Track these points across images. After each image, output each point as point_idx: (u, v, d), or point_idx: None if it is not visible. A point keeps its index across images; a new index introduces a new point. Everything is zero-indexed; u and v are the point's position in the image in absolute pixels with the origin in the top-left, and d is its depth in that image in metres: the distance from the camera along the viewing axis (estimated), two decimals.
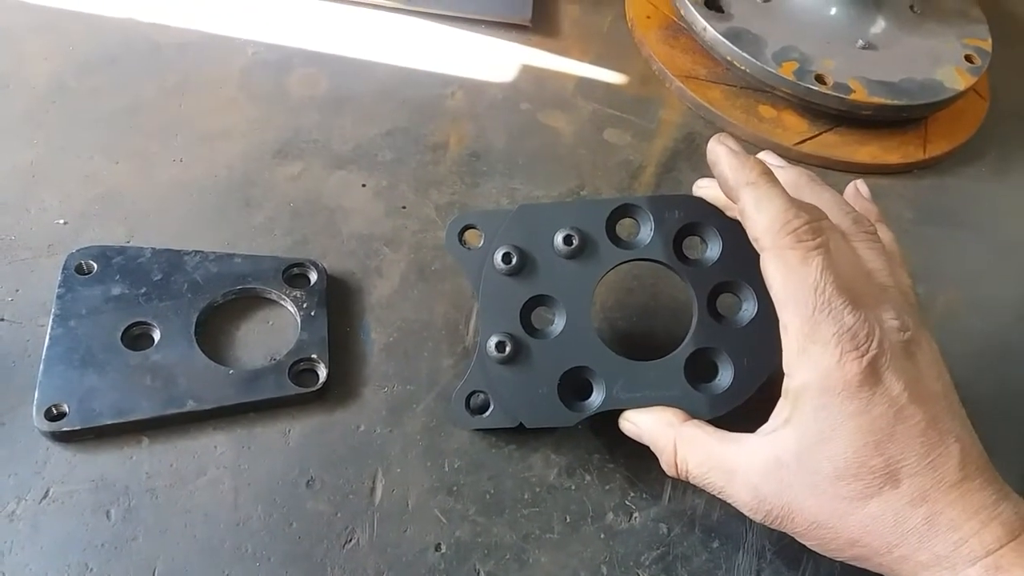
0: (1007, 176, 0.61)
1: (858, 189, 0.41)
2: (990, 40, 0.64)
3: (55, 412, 0.36)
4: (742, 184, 0.34)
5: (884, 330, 0.32)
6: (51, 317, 0.39)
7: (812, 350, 0.32)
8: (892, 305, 0.33)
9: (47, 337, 0.39)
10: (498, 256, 0.39)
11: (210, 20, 0.57)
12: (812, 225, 0.33)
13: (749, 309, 0.38)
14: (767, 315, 0.35)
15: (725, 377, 0.37)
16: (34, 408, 0.36)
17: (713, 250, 0.39)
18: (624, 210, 0.39)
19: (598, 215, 0.39)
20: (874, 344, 0.32)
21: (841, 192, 0.41)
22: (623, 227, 0.40)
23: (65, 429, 0.36)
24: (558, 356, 0.38)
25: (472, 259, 0.39)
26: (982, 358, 0.49)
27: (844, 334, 0.32)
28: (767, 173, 0.35)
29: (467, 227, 0.40)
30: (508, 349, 0.38)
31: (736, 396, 0.37)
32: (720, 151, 0.36)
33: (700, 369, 0.38)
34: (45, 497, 0.35)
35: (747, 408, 0.37)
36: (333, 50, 0.57)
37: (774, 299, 0.34)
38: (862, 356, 0.31)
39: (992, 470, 0.32)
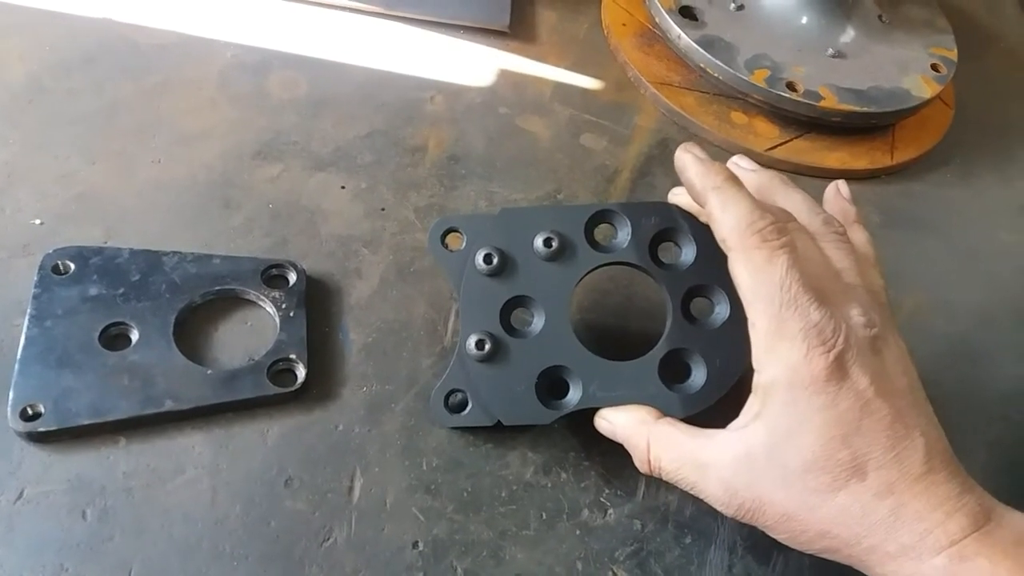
0: (972, 182, 0.63)
1: (839, 190, 0.42)
2: (956, 50, 0.65)
3: (30, 412, 0.36)
4: (708, 188, 0.36)
5: (850, 326, 0.33)
6: (26, 317, 0.39)
7: (780, 346, 0.33)
8: (859, 302, 0.34)
9: (22, 337, 0.38)
10: (479, 257, 0.39)
11: (188, 21, 0.57)
12: (777, 225, 0.34)
13: (721, 312, 0.39)
14: (739, 317, 0.36)
15: (698, 377, 0.38)
16: (9, 408, 0.36)
17: (687, 255, 0.40)
18: (602, 215, 0.41)
19: (577, 220, 0.40)
20: (840, 339, 0.32)
21: (820, 192, 0.42)
22: (601, 232, 0.41)
23: (41, 429, 0.36)
24: (536, 355, 0.39)
25: (453, 261, 0.40)
26: (946, 358, 0.51)
27: (811, 330, 0.32)
28: (732, 177, 0.36)
29: (449, 230, 0.41)
30: (487, 347, 0.38)
31: (708, 396, 0.38)
32: (687, 159, 0.37)
33: (674, 369, 0.39)
34: (20, 498, 0.35)
35: (718, 405, 0.38)
36: (312, 53, 0.57)
37: (742, 298, 0.35)
38: (829, 351, 0.32)
39: (956, 464, 0.33)
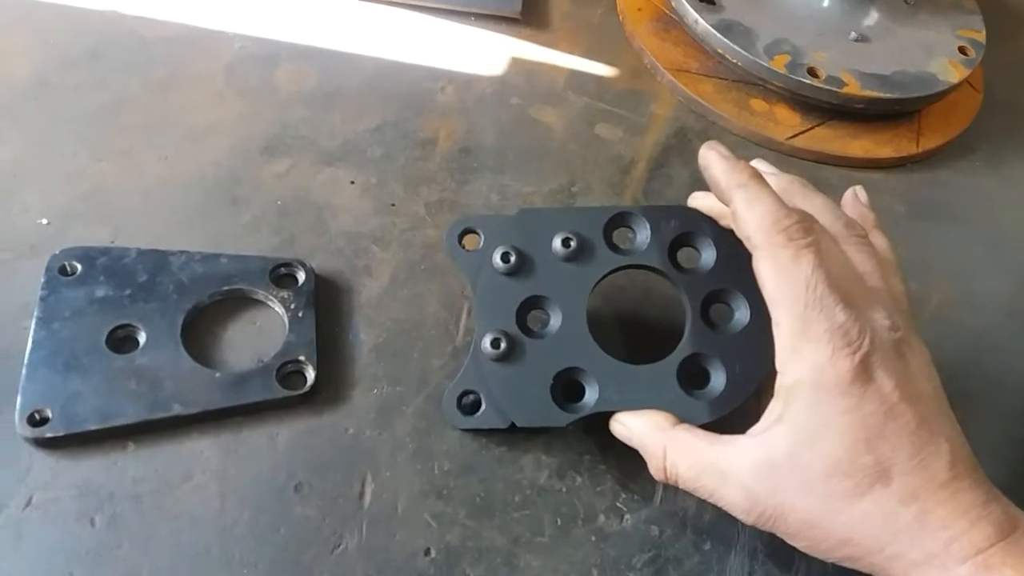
0: (1001, 169, 0.61)
1: (857, 195, 0.41)
2: (984, 32, 0.63)
3: (38, 418, 0.36)
4: (733, 186, 0.35)
5: (875, 329, 0.32)
6: (33, 320, 0.39)
7: (804, 347, 0.32)
8: (883, 306, 0.34)
9: (29, 340, 0.38)
10: (497, 255, 0.39)
11: (195, 13, 0.56)
12: (803, 224, 0.33)
13: (741, 317, 0.38)
14: (759, 323, 0.35)
15: (717, 383, 0.37)
16: (16, 414, 0.36)
17: (707, 259, 0.39)
18: (621, 218, 0.40)
19: (596, 221, 0.40)
20: (866, 341, 0.32)
21: (839, 191, 0.41)
22: (620, 234, 0.40)
23: (48, 435, 0.36)
24: (552, 356, 0.38)
25: (470, 260, 0.39)
26: (973, 352, 0.49)
27: (836, 331, 0.32)
28: (757, 175, 0.35)
29: (467, 231, 0.40)
30: (503, 346, 0.38)
31: (728, 402, 0.37)
32: (711, 156, 0.36)
33: (693, 375, 0.38)
34: (28, 504, 0.35)
35: (735, 412, 0.37)
36: (321, 44, 0.56)
37: (766, 297, 0.34)
38: (854, 353, 0.31)
39: (981, 472, 0.33)
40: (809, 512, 0.32)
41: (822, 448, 0.32)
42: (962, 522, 0.31)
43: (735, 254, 0.36)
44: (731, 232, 0.36)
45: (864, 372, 0.31)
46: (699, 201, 0.41)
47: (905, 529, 0.31)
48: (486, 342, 0.38)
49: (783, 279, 0.33)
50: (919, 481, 0.31)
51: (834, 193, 0.40)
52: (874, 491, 0.31)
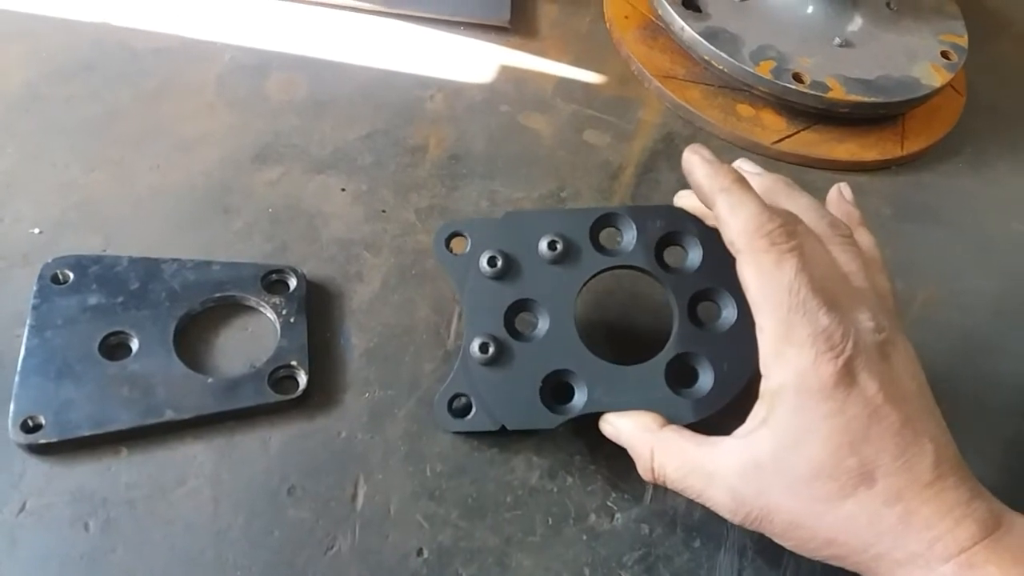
0: (984, 171, 0.62)
1: (841, 192, 0.41)
2: (966, 36, 0.64)
3: (31, 424, 0.36)
4: (716, 191, 0.35)
5: (859, 331, 0.32)
6: (26, 328, 0.39)
7: (788, 351, 0.32)
8: (867, 306, 0.34)
9: (22, 348, 0.38)
10: (484, 260, 0.39)
11: (186, 24, 0.56)
12: (786, 228, 0.33)
13: (729, 315, 0.38)
14: (746, 321, 0.35)
15: (705, 382, 0.38)
16: (9, 421, 0.36)
17: (693, 258, 0.39)
18: (607, 219, 0.40)
19: (582, 223, 0.40)
20: (849, 345, 0.32)
21: (824, 193, 0.41)
22: (606, 235, 0.40)
23: (42, 441, 0.36)
24: (541, 359, 0.38)
25: (458, 264, 0.40)
26: (960, 352, 0.50)
27: (819, 335, 0.32)
28: (740, 179, 0.35)
29: (454, 234, 0.40)
30: (491, 350, 0.38)
31: (716, 401, 0.37)
32: (695, 160, 0.36)
33: (681, 374, 0.38)
34: (22, 510, 0.35)
35: (723, 412, 0.37)
36: (311, 53, 0.57)
37: (750, 302, 0.34)
38: (837, 357, 0.32)
39: (966, 469, 0.33)
40: (794, 513, 0.33)
41: (806, 452, 0.32)
42: (946, 521, 0.31)
43: (721, 253, 0.36)
44: (717, 231, 0.37)
45: (847, 376, 0.32)
46: (684, 200, 0.41)
47: (889, 530, 0.31)
48: (475, 346, 0.38)
49: (766, 284, 0.33)
50: (903, 482, 0.31)
51: (820, 196, 0.40)
52: (858, 493, 0.31)
